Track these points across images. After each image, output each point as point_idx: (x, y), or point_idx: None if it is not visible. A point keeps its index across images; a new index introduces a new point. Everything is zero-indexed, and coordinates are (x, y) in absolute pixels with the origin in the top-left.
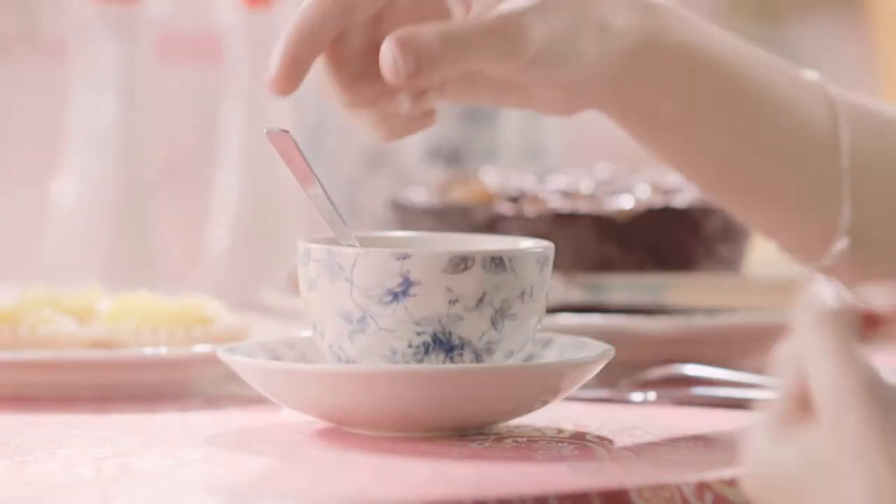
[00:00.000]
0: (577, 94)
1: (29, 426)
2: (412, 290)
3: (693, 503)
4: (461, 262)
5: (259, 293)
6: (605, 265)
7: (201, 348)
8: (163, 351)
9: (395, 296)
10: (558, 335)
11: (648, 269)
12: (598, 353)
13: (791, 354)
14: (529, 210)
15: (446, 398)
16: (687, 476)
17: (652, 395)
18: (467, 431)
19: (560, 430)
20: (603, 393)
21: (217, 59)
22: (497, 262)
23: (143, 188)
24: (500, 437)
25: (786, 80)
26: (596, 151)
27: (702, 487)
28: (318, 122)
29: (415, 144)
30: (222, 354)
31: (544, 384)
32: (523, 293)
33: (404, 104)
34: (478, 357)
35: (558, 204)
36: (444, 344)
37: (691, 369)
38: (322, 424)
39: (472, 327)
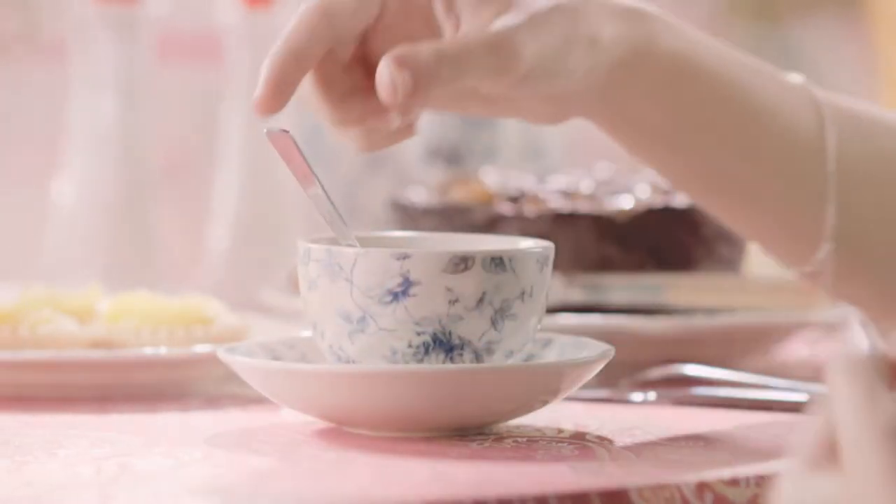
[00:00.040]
0: (564, 105)
1: (29, 426)
2: (412, 290)
3: (693, 503)
4: (461, 262)
5: (259, 293)
6: (605, 265)
7: (201, 348)
8: (163, 351)
9: (395, 296)
10: (558, 335)
11: (648, 269)
12: (598, 353)
13: (824, 401)
14: (529, 210)
15: (446, 398)
16: (687, 476)
17: (652, 395)
18: (467, 431)
19: (560, 430)
20: (603, 393)
21: (217, 59)
22: (497, 262)
23: (143, 188)
24: (500, 437)
25: (772, 84)
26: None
27: (702, 487)
28: (318, 122)
29: (415, 144)
30: (222, 354)
31: (544, 384)
32: (523, 293)
33: (394, 120)
34: (478, 357)
35: (558, 204)
36: (444, 344)
37: (691, 369)
38: (322, 424)
39: (472, 327)
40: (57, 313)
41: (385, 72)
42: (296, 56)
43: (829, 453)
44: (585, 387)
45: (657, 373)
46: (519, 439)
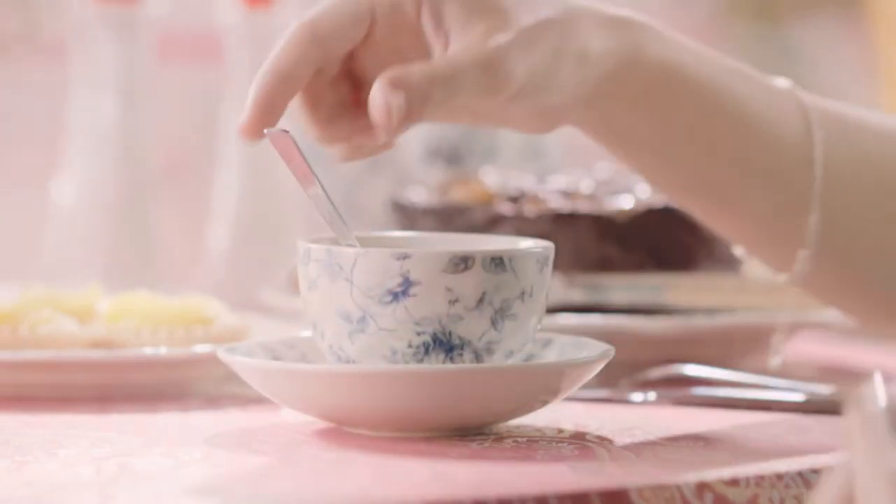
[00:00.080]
0: (553, 116)
1: (29, 426)
2: (412, 290)
3: (693, 503)
4: (461, 262)
5: (259, 293)
6: (605, 265)
7: (201, 348)
8: (163, 351)
9: (395, 296)
10: (558, 335)
11: (648, 269)
12: (598, 353)
13: (844, 452)
14: (529, 210)
15: (446, 398)
16: (687, 476)
17: (652, 395)
18: (467, 431)
19: (560, 430)
20: (603, 393)
21: (217, 59)
22: (497, 262)
23: (143, 188)
24: (500, 437)
25: (760, 90)
26: (596, 151)
27: (702, 487)
28: None
29: (415, 144)
30: (222, 354)
31: (544, 384)
32: (523, 293)
33: (381, 137)
34: (478, 357)
35: (558, 204)
36: (444, 344)
37: (691, 369)
38: (322, 424)
39: (472, 327)
40: (57, 313)
41: (378, 95)
42: (283, 79)
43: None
44: (585, 387)
45: (657, 373)
46: (519, 439)
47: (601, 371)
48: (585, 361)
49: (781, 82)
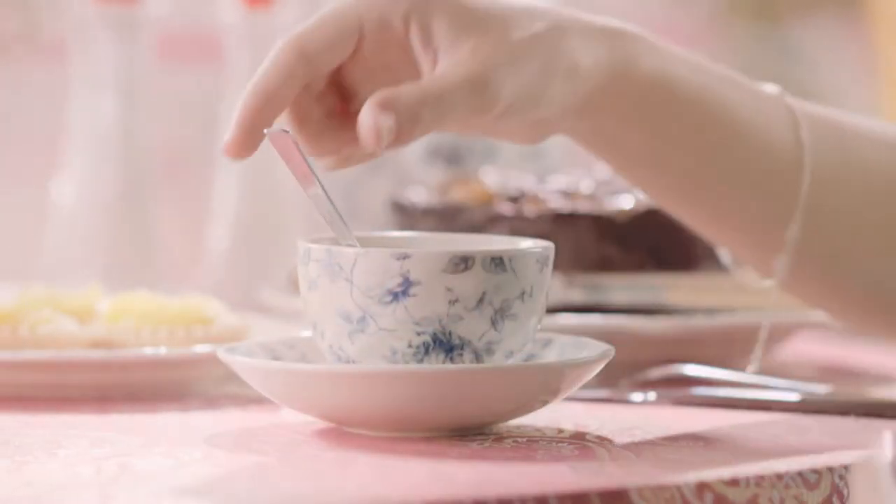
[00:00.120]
0: (543, 128)
1: (29, 426)
2: (412, 290)
3: (693, 503)
4: (461, 262)
5: (259, 293)
6: (605, 265)
7: (201, 348)
8: (163, 351)
9: (395, 296)
10: (558, 335)
11: (648, 269)
12: (598, 353)
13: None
14: (529, 210)
15: (446, 398)
16: (687, 476)
17: (652, 395)
18: (467, 431)
19: (560, 430)
20: (603, 393)
21: (217, 59)
22: (497, 262)
23: (143, 188)
24: (500, 437)
25: (748, 96)
26: None
27: (702, 487)
28: None
29: (415, 144)
30: (222, 354)
31: (544, 384)
32: (523, 293)
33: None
34: (478, 357)
35: (558, 204)
36: (444, 344)
37: (691, 369)
38: (322, 424)
39: (472, 327)
40: (57, 313)
41: (368, 116)
42: (269, 99)
43: None
44: (585, 387)
45: (657, 373)
46: (519, 439)
47: (601, 371)
48: (585, 361)
49: (770, 88)
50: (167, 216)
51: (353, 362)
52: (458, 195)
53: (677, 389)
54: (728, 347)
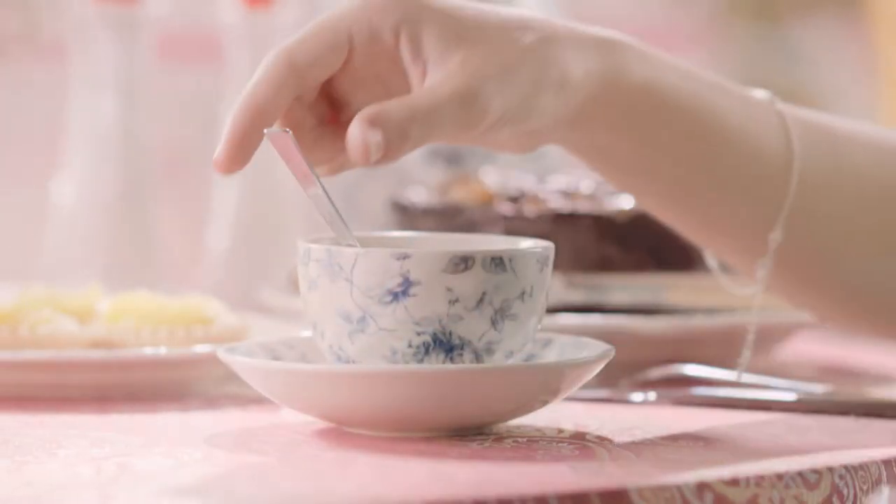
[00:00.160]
0: (534, 138)
1: (29, 426)
2: (412, 290)
3: (693, 503)
4: (461, 262)
5: (259, 293)
6: (605, 265)
7: (201, 348)
8: (163, 351)
9: (395, 296)
10: (558, 335)
11: (648, 269)
12: (598, 353)
13: None
14: (529, 210)
15: (446, 398)
16: (687, 476)
17: (652, 395)
18: (467, 431)
19: (560, 430)
20: (603, 393)
21: (217, 59)
22: (497, 262)
23: (143, 188)
24: (500, 437)
25: (738, 103)
26: None
27: (702, 487)
28: None
29: None
30: (222, 354)
31: (544, 384)
32: (523, 293)
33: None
34: (478, 357)
35: (558, 204)
36: (444, 344)
37: (691, 369)
38: (322, 424)
39: (472, 327)
40: (57, 313)
41: (357, 132)
42: (260, 112)
43: None
44: (585, 387)
45: (657, 373)
46: (519, 439)
47: (601, 371)
48: (585, 361)
49: (760, 94)
50: (167, 216)
51: (353, 362)
52: (458, 195)
53: (677, 389)
54: (728, 347)
